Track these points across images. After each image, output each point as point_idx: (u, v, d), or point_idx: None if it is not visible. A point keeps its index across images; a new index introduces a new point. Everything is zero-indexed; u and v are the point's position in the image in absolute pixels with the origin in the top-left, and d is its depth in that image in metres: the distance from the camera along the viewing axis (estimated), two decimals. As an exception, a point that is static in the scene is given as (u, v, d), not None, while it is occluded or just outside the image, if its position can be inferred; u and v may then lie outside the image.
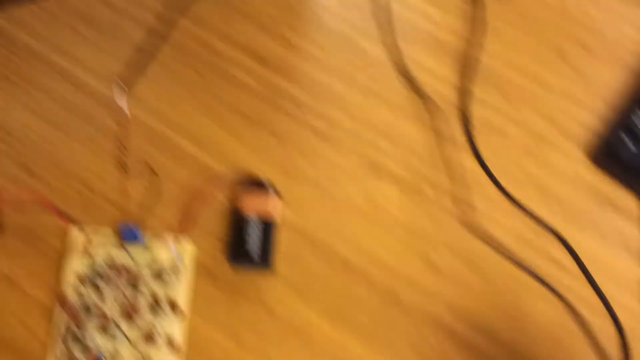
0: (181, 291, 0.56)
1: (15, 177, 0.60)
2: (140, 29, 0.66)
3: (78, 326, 0.54)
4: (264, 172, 0.61)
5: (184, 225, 0.59)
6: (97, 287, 0.56)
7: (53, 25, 0.66)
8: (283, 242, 0.59)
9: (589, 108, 0.63)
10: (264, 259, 0.57)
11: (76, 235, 0.57)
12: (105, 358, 0.53)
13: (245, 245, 0.57)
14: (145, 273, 0.56)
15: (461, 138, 0.63)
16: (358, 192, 0.61)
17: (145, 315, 0.55)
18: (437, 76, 0.65)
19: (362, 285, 0.58)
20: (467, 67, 0.65)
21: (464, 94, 0.64)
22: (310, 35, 0.67)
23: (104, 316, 0.54)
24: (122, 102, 0.63)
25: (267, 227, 0.57)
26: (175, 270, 0.56)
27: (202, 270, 0.58)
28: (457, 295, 0.58)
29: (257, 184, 0.59)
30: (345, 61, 0.66)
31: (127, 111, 0.63)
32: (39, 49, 0.65)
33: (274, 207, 0.58)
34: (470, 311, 0.57)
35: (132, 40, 0.66)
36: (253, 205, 0.58)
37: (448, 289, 0.58)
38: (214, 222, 0.59)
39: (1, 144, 0.61)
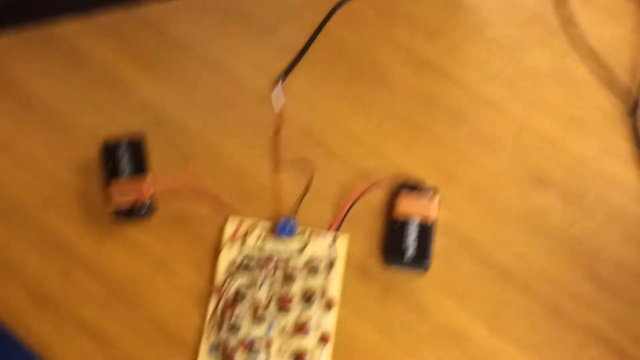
0: (334, 285, 0.55)
1: (173, 164, 0.60)
2: (293, 23, 0.67)
3: (231, 313, 0.54)
4: (421, 173, 0.60)
5: (338, 221, 0.58)
6: (251, 276, 0.55)
7: (204, 19, 0.68)
8: (439, 244, 0.57)
9: None
10: (421, 261, 0.55)
11: (232, 224, 0.57)
12: (257, 344, 0.52)
13: (402, 246, 0.55)
14: (299, 265, 0.55)
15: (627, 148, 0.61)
16: (519, 199, 0.59)
17: (297, 306, 0.54)
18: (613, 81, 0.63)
19: (522, 293, 0.56)
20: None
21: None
22: (470, 37, 0.66)
23: (257, 304, 0.54)
24: (276, 97, 0.63)
25: (425, 229, 0.56)
26: (328, 264, 0.56)
27: (355, 266, 0.56)
28: (624, 311, 0.55)
29: (414, 186, 0.58)
30: (506, 66, 0.64)
31: (281, 105, 0.63)
32: (191, 43, 0.66)
33: (432, 209, 0.57)
34: (638, 328, 0.54)
35: (285, 36, 0.67)
36: (411, 206, 0.57)
37: (613, 303, 0.55)
38: (368, 220, 0.58)
39: (162, 132, 0.62)
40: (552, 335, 0.54)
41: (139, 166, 0.58)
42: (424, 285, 0.56)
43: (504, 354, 0.54)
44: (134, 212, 0.57)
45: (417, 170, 0.60)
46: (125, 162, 0.58)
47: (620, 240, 0.58)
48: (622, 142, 0.61)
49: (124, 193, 0.57)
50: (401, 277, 0.56)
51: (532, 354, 0.54)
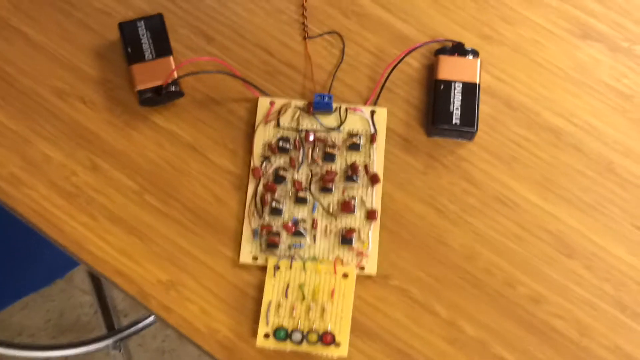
0: (376, 159, 0.52)
1: (194, 46, 0.56)
2: None
3: (272, 196, 0.51)
4: (461, 35, 0.56)
5: (375, 94, 0.55)
6: (289, 157, 0.52)
7: None
8: (483, 110, 0.54)
9: None
10: (469, 124, 0.52)
11: (264, 105, 0.54)
12: (301, 226, 0.50)
13: (449, 108, 0.52)
14: (339, 142, 0.53)
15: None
16: (564, 56, 0.56)
17: (340, 183, 0.52)
18: None
19: (572, 154, 0.53)
20: None
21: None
22: None
23: (298, 184, 0.51)
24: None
25: (470, 91, 0.53)
26: (369, 139, 0.53)
27: (396, 139, 0.54)
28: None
29: (455, 48, 0.54)
30: None
31: (307, -28, 0.58)
32: None
33: (475, 71, 0.53)
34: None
35: None
36: (453, 71, 0.53)
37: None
38: (406, 90, 0.55)
39: (174, 8, 0.57)
40: (606, 195, 0.52)
41: (162, 47, 0.54)
42: (470, 154, 0.53)
43: (555, 218, 0.52)
44: (160, 97, 0.53)
45: (458, 32, 0.56)
46: (146, 43, 0.54)
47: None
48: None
49: (149, 77, 0.53)
50: (445, 147, 0.53)
51: (584, 216, 0.52)
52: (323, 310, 0.48)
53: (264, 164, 0.52)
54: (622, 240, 0.51)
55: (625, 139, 0.54)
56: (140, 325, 0.88)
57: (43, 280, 0.78)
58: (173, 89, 0.53)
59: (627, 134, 0.54)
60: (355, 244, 0.50)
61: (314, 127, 0.53)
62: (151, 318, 0.88)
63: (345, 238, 0.50)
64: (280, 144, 0.53)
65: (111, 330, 0.89)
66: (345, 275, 0.49)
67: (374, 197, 0.52)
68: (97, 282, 0.89)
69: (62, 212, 0.52)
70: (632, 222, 0.52)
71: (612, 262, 0.51)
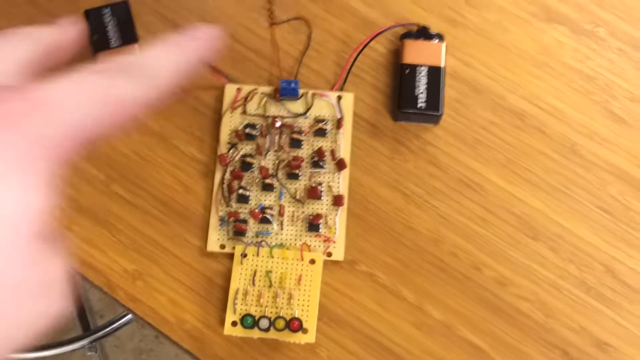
0: (343, 144, 0.53)
1: (159, 32, 0.56)
2: None
3: (239, 183, 0.52)
4: (426, 19, 0.56)
5: (341, 79, 0.55)
6: (256, 144, 0.52)
7: None
8: (448, 94, 0.54)
9: None
10: (434, 108, 0.52)
11: (230, 92, 0.54)
12: (268, 213, 0.51)
13: (414, 92, 0.52)
14: (305, 127, 0.53)
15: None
16: (528, 39, 0.56)
17: (307, 169, 0.52)
18: None
19: (536, 136, 0.54)
20: None
21: None
22: None
23: (264, 171, 0.52)
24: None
25: (435, 75, 0.53)
26: (335, 124, 0.53)
27: (362, 124, 0.54)
28: (643, 145, 0.53)
29: (420, 33, 0.55)
30: None
31: (272, -43, 0.58)
32: None
33: (440, 54, 0.54)
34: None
35: None
36: (418, 55, 0.54)
37: (630, 138, 0.53)
38: (372, 75, 0.55)
39: (141, -3, 0.57)
40: (569, 176, 0.53)
41: (128, 34, 0.54)
42: (435, 138, 0.54)
43: (521, 200, 0.52)
44: (124, 87, 0.53)
45: (422, 16, 0.56)
46: (112, 30, 0.54)
47: (636, 71, 0.55)
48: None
49: (112, 66, 0.53)
50: (411, 131, 0.54)
51: (549, 198, 0.52)
52: (290, 296, 0.49)
53: (230, 151, 0.52)
54: (586, 222, 0.52)
55: (589, 121, 0.54)
56: (116, 325, 0.88)
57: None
58: (138, 78, 0.53)
59: (591, 116, 0.54)
60: (322, 230, 0.51)
61: (281, 113, 0.53)
62: (127, 317, 0.88)
63: (313, 224, 0.51)
64: (247, 130, 0.53)
65: (87, 331, 0.89)
66: (312, 262, 0.49)
67: (341, 183, 0.52)
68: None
69: (28, 203, 0.52)
70: (595, 203, 0.52)
71: (576, 244, 0.51)
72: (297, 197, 0.51)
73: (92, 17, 0.54)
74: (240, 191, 0.51)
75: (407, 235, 0.51)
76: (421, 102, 0.53)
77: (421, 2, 0.57)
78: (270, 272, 0.49)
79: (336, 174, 0.52)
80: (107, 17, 0.54)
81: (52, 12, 0.57)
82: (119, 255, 0.51)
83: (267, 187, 0.52)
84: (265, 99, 0.54)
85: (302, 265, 0.49)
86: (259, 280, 0.49)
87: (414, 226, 0.52)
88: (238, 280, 0.49)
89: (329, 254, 0.50)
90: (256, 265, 0.49)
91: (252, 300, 0.49)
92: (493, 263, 0.51)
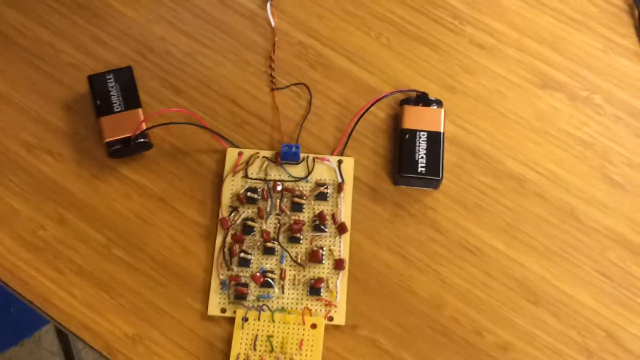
0: (343, 208, 0.53)
1: (163, 97, 0.57)
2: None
3: (240, 247, 0.52)
4: (424, 86, 0.57)
5: (342, 144, 0.55)
6: (257, 207, 0.53)
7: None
8: (448, 158, 0.55)
9: None
10: (434, 172, 0.53)
11: (232, 156, 0.54)
12: (268, 274, 0.51)
13: (414, 157, 0.53)
14: (306, 191, 0.53)
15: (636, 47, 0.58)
16: (525, 105, 0.57)
17: (308, 233, 0.52)
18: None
19: (536, 201, 0.54)
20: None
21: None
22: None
23: (266, 234, 0.52)
24: (268, 14, 0.60)
25: (435, 141, 0.54)
26: (336, 188, 0.53)
27: (363, 189, 0.54)
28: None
29: (419, 99, 0.56)
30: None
31: (273, 23, 0.59)
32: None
33: (439, 121, 0.54)
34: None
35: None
36: (417, 120, 0.54)
37: (628, 203, 0.54)
38: (373, 138, 0.56)
39: (143, 61, 0.58)
40: (570, 242, 0.53)
41: (130, 99, 0.55)
42: (436, 202, 0.54)
43: (521, 265, 0.52)
44: (128, 149, 0.54)
45: (420, 83, 0.58)
46: (115, 96, 0.55)
47: (632, 137, 0.56)
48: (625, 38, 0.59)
49: (117, 129, 0.53)
50: (412, 195, 0.54)
51: (549, 263, 0.52)
52: (291, 362, 0.48)
53: (232, 215, 0.53)
54: (586, 287, 0.52)
55: (587, 186, 0.55)
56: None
57: (10, 340, 0.77)
58: (141, 141, 0.54)
59: (589, 181, 0.55)
60: (323, 293, 0.51)
61: (282, 177, 0.54)
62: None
63: (314, 288, 0.50)
64: (248, 194, 0.53)
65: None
66: (313, 326, 0.49)
67: (342, 247, 0.52)
68: (65, 343, 0.88)
69: (28, 266, 0.51)
70: (595, 268, 0.52)
71: (578, 309, 0.51)
72: (299, 260, 0.51)
73: (96, 82, 0.55)
74: (242, 254, 0.51)
75: (409, 300, 0.51)
76: (421, 166, 0.53)
77: (419, 69, 0.58)
78: (272, 336, 0.49)
79: (337, 238, 0.52)
80: (110, 83, 0.55)
81: (55, 77, 0.57)
82: (119, 318, 0.50)
83: (269, 251, 0.52)
84: (266, 162, 0.54)
85: (304, 329, 0.49)
86: (260, 345, 0.48)
87: (416, 290, 0.52)
88: (239, 345, 0.48)
89: (331, 318, 0.50)
90: (257, 330, 0.49)
91: (253, 365, 0.48)
92: (495, 328, 0.51)
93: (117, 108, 0.54)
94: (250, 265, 0.51)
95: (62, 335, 0.87)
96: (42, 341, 1.05)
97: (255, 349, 0.48)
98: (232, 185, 0.54)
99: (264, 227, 0.52)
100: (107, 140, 0.53)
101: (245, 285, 0.50)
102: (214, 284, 0.51)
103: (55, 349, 1.03)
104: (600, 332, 0.51)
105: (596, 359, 0.50)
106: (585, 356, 0.50)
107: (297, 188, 0.53)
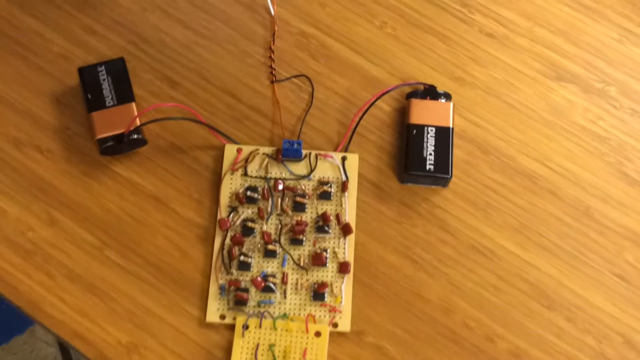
0: (348, 208, 0.50)
1: (157, 90, 0.54)
2: None
3: (240, 249, 0.49)
4: (432, 78, 0.55)
5: (346, 140, 0.53)
6: (257, 207, 0.50)
7: None
8: (457, 155, 0.52)
9: None
10: (443, 169, 0.50)
11: (230, 153, 0.52)
12: (271, 281, 0.48)
13: (422, 154, 0.51)
14: (309, 190, 0.51)
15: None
16: (537, 98, 0.54)
17: (311, 234, 0.50)
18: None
19: (549, 199, 0.52)
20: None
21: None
22: None
23: (267, 236, 0.49)
24: (267, 1, 0.57)
25: (443, 136, 0.51)
26: (340, 187, 0.51)
27: (368, 186, 0.52)
28: (659, 208, 0.52)
29: (427, 92, 0.53)
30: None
31: (273, 11, 0.56)
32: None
33: (447, 114, 0.52)
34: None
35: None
36: (425, 114, 0.52)
37: (647, 202, 0.52)
38: (379, 134, 0.53)
39: (137, 52, 0.55)
40: (583, 242, 0.51)
41: (123, 93, 0.52)
42: (444, 201, 0.52)
43: (534, 267, 0.50)
44: (121, 146, 0.51)
45: (428, 75, 0.55)
46: (107, 89, 0.52)
47: (650, 134, 0.54)
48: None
49: (110, 124, 0.51)
50: (419, 194, 0.52)
51: (563, 265, 0.50)
52: (295, 372, 0.46)
53: (231, 215, 0.50)
54: (602, 289, 0.50)
55: (602, 183, 0.52)
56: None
57: (1, 337, 0.75)
58: (135, 137, 0.51)
59: (604, 177, 0.52)
60: (327, 298, 0.48)
61: (283, 175, 0.51)
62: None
63: (317, 293, 0.48)
64: (248, 193, 0.50)
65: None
66: (317, 334, 0.47)
67: (347, 249, 0.49)
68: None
69: (17, 270, 0.49)
70: (611, 269, 0.50)
71: (594, 313, 0.49)
72: (301, 264, 0.49)
73: (87, 75, 0.52)
74: (242, 258, 0.49)
75: (417, 304, 0.49)
76: (430, 164, 0.51)
77: (427, 60, 0.55)
78: (274, 345, 0.46)
79: (341, 240, 0.50)
80: (102, 75, 0.52)
81: (44, 69, 0.54)
82: (113, 326, 0.47)
83: (270, 254, 0.49)
84: (267, 160, 0.51)
85: (307, 338, 0.47)
86: (262, 355, 0.46)
87: (424, 294, 0.49)
88: (240, 354, 0.46)
89: (335, 325, 0.48)
90: (258, 338, 0.46)
91: (254, 376, 0.46)
92: (507, 334, 0.48)
93: (109, 102, 0.51)
94: (251, 269, 0.49)
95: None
96: (37, 331, 1.02)
97: (256, 359, 0.46)
98: (231, 184, 0.51)
99: (264, 228, 0.50)
100: (98, 136, 0.51)
101: (246, 290, 0.48)
102: (213, 289, 0.48)
103: (50, 339, 1.01)
104: (617, 337, 0.49)
105: (613, 365, 0.48)
106: (601, 363, 0.48)
107: (299, 187, 0.51)
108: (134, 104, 0.52)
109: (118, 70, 0.53)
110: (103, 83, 0.52)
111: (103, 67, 0.53)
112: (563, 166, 0.53)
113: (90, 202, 0.51)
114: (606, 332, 0.49)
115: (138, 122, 0.51)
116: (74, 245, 0.50)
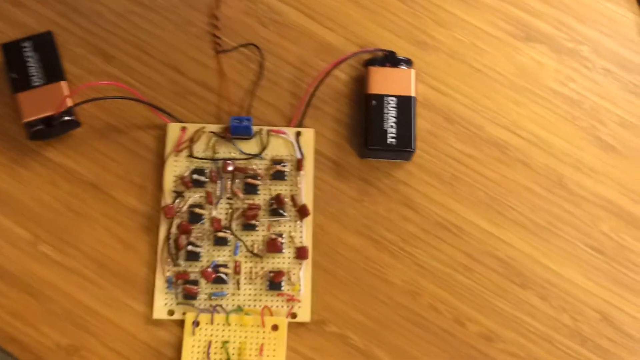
0: (304, 188, 0.47)
1: (90, 66, 0.49)
2: None
3: (187, 238, 0.45)
4: (392, 43, 0.51)
5: (300, 114, 0.49)
6: (205, 191, 0.46)
7: None
8: (419, 123, 0.49)
9: None
10: (406, 142, 0.47)
11: (174, 132, 0.47)
12: (222, 271, 0.44)
13: (382, 128, 0.47)
14: (261, 170, 0.47)
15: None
16: (505, 60, 0.51)
17: (265, 218, 0.46)
18: None
19: (520, 170, 0.48)
20: None
21: None
22: None
23: (216, 223, 0.45)
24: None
25: (405, 106, 0.47)
26: (295, 164, 0.47)
27: (325, 163, 0.48)
28: (634, 175, 0.48)
29: (387, 58, 0.49)
30: None
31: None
32: None
33: (409, 82, 0.48)
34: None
35: None
36: (385, 83, 0.48)
37: (621, 167, 0.49)
38: (336, 105, 0.49)
39: (67, 24, 0.50)
40: (557, 214, 0.48)
41: (52, 71, 0.47)
42: (408, 176, 0.48)
43: (506, 243, 0.47)
44: (52, 129, 0.46)
45: (388, 39, 0.51)
46: (34, 67, 0.47)
47: (624, 92, 0.50)
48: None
49: (38, 106, 0.46)
50: (381, 169, 0.48)
51: (536, 239, 0.47)
52: (251, 370, 0.42)
53: (176, 201, 0.46)
54: (577, 263, 0.47)
55: (575, 149, 0.49)
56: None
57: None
58: (67, 119, 0.46)
59: (577, 143, 0.49)
60: (285, 287, 0.45)
61: (233, 155, 0.47)
62: None
63: (274, 282, 0.44)
64: (195, 176, 0.46)
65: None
66: (275, 328, 0.43)
67: (304, 232, 0.46)
68: None
69: (-59, 271, 0.45)
70: (587, 242, 0.47)
71: (568, 289, 0.46)
72: (255, 251, 0.45)
73: (10, 51, 0.47)
74: (190, 247, 0.45)
75: (381, 289, 0.46)
76: (391, 137, 0.47)
77: (387, 24, 0.51)
78: (228, 342, 0.43)
79: (298, 223, 0.46)
80: (27, 52, 0.47)
81: (-34, 45, 0.50)
82: (51, 327, 0.44)
83: (220, 241, 0.45)
84: (214, 138, 0.47)
85: (264, 332, 0.43)
86: (215, 353, 0.42)
87: (388, 278, 0.46)
88: (190, 353, 0.42)
89: (294, 315, 0.44)
90: (211, 335, 0.43)
91: (206, 377, 0.42)
92: (478, 316, 0.45)
93: (36, 82, 0.47)
94: (200, 259, 0.45)
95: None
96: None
97: (209, 358, 0.42)
98: (176, 167, 0.47)
99: (214, 214, 0.46)
100: (26, 120, 0.46)
101: (195, 282, 0.44)
102: (159, 283, 0.44)
103: None
104: (594, 314, 0.46)
105: (590, 344, 0.45)
106: (578, 342, 0.45)
107: (250, 167, 0.47)
108: (64, 83, 0.47)
109: (46, 45, 0.48)
110: (29, 60, 0.47)
111: (29, 43, 0.48)
112: (534, 133, 0.49)
113: (20, 192, 0.46)
114: (582, 309, 0.46)
115: (70, 103, 0.47)
116: (4, 240, 0.45)
